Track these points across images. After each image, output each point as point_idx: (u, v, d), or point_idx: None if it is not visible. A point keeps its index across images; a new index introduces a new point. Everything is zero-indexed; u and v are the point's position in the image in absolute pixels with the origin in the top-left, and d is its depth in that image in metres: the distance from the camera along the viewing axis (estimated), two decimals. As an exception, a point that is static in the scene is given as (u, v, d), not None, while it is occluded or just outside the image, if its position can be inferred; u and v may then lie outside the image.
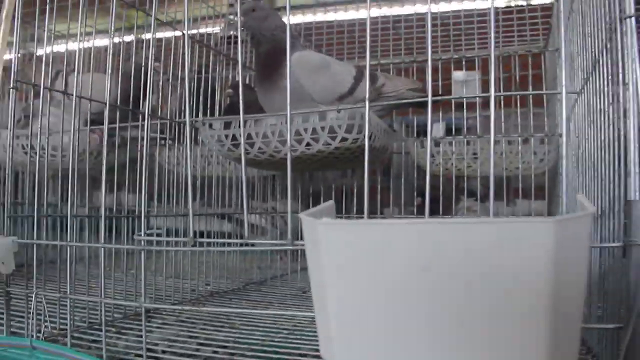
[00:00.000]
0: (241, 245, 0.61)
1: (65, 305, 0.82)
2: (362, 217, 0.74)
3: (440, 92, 1.41)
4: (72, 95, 0.83)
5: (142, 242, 0.68)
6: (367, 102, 0.59)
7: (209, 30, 1.36)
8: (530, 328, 0.41)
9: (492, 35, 0.57)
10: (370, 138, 1.00)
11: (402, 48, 1.53)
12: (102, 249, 0.73)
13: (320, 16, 1.65)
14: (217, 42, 1.39)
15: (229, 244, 0.65)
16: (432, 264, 0.41)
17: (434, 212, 1.23)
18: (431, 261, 0.41)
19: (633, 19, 0.53)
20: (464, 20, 1.50)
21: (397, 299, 0.43)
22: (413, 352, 0.44)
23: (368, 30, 0.62)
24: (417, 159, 1.38)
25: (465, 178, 1.32)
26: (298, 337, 0.85)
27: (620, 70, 0.53)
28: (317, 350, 0.65)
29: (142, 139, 0.90)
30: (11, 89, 0.77)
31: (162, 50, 1.33)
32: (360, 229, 0.43)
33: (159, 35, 1.20)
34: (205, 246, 0.70)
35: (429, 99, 0.57)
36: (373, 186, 1.53)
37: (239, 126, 1.01)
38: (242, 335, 0.86)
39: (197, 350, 0.79)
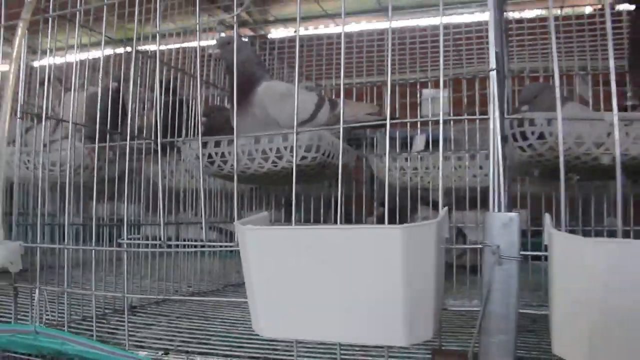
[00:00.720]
0: (202, 246, 0.80)
1: (63, 303, 1.01)
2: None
3: (397, 114, 1.60)
4: (68, 121, 1.02)
5: (125, 245, 0.88)
6: (295, 129, 0.78)
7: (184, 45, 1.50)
8: (391, 304, 0.60)
9: (389, 60, 0.75)
10: (328, 156, 1.20)
11: (364, 68, 1.72)
12: (93, 251, 0.92)
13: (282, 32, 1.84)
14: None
15: (195, 246, 0.82)
16: (321, 259, 0.60)
17: (393, 221, 1.42)
18: (320, 256, 0.60)
19: (495, 71, 0.71)
20: (419, 42, 1.68)
21: (300, 285, 0.62)
22: (314, 323, 0.63)
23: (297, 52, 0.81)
24: (377, 173, 1.58)
25: (419, 190, 1.50)
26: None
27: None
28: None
29: (128, 155, 1.08)
30: (18, 119, 0.96)
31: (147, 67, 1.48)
32: (270, 234, 0.62)
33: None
34: (173, 247, 0.88)
35: (341, 126, 0.76)
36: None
37: (214, 146, 1.21)
38: (212, 325, 1.05)
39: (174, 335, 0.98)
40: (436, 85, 1.77)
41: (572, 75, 1.66)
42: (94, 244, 0.92)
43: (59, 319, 1.03)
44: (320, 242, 0.61)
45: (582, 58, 1.67)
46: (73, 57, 1.03)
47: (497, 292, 0.66)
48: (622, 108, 1.60)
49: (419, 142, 1.97)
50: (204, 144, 1.22)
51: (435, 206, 1.53)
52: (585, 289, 0.54)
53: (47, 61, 1.02)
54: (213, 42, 1.62)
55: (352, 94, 1.79)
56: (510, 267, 0.66)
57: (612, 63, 0.70)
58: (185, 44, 1.48)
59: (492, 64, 0.72)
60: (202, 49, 1.59)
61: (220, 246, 0.83)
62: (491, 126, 0.71)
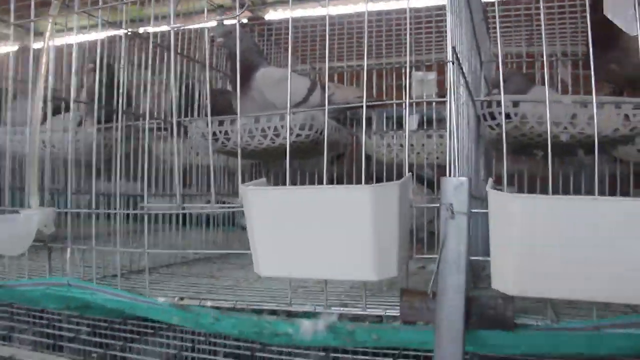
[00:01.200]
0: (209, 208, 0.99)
1: (90, 267, 1.18)
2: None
3: (384, 96, 1.78)
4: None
5: (145, 208, 1.07)
6: (288, 111, 0.96)
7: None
8: (364, 247, 0.79)
9: (365, 46, 0.93)
10: (321, 134, 1.38)
11: (355, 52, 1.90)
12: (118, 214, 1.11)
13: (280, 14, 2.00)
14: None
15: (204, 208, 0.99)
16: (307, 212, 0.79)
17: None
18: (306, 210, 0.79)
19: (450, 63, 0.89)
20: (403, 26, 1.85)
21: (291, 233, 0.81)
22: (302, 263, 0.82)
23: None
24: (365, 150, 1.76)
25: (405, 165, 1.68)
26: (263, 284, 1.22)
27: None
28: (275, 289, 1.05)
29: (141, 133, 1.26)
30: (49, 102, 1.15)
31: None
32: (267, 193, 0.81)
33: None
34: (186, 209, 1.07)
35: (326, 107, 0.94)
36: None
37: (218, 125, 1.40)
38: (218, 282, 1.24)
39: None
40: (428, 68, 1.95)
41: (552, 61, 1.83)
42: (118, 207, 1.11)
43: (85, 276, 1.21)
44: (306, 199, 0.80)
45: (563, 43, 1.84)
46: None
47: (450, 242, 0.85)
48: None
49: (412, 121, 2.15)
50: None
51: (421, 180, 1.72)
52: (509, 232, 0.73)
53: (75, 51, 1.20)
54: (213, 23, 1.80)
55: (344, 78, 1.97)
56: (461, 221, 0.84)
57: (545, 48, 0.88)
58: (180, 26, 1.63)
59: (449, 56, 0.90)
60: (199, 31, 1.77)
61: (228, 208, 1.02)
62: (447, 108, 0.89)
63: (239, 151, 0.99)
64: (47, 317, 1.49)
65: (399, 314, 0.90)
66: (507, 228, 0.74)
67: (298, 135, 1.34)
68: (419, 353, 1.18)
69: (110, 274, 1.22)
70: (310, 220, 0.80)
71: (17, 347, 1.37)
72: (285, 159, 1.02)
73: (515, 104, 1.27)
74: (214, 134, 1.39)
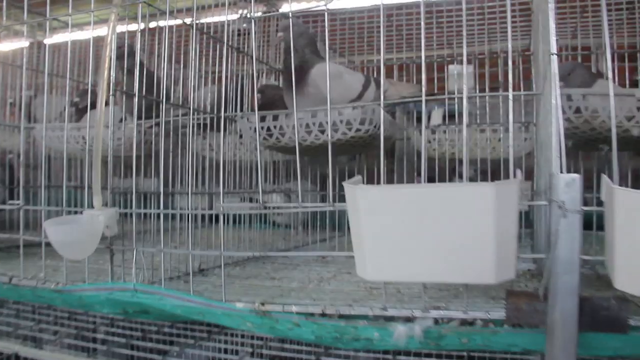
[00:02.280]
0: (296, 207, 0.96)
1: (150, 270, 1.15)
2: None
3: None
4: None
5: (222, 208, 1.04)
6: (379, 103, 0.94)
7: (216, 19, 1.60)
8: (483, 249, 0.76)
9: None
10: (378, 128, 1.36)
11: (404, 44, 1.87)
12: (188, 214, 1.08)
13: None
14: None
15: (288, 207, 0.97)
16: (421, 212, 0.77)
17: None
18: (421, 210, 0.77)
19: (555, 55, 0.87)
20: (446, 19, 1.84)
21: (403, 235, 0.79)
22: (415, 267, 0.80)
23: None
24: (416, 145, 1.75)
25: (457, 161, 1.66)
26: (330, 285, 1.20)
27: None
28: (347, 291, 1.02)
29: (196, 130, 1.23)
30: (111, 97, 1.11)
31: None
32: (378, 191, 0.79)
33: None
34: (269, 209, 1.04)
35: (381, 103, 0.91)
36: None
37: (272, 120, 1.37)
38: (282, 283, 1.21)
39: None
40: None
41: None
42: (189, 208, 1.08)
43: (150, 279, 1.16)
44: (422, 199, 0.77)
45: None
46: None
47: (562, 240, 0.82)
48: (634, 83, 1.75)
49: (437, 116, 2.13)
50: (262, 118, 1.38)
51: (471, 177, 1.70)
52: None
53: (138, 46, 1.16)
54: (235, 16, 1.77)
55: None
56: (573, 219, 0.82)
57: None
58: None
59: (553, 49, 0.88)
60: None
61: (319, 208, 0.99)
62: (553, 102, 0.86)
63: (330, 145, 0.96)
64: (92, 321, 1.45)
65: (504, 317, 0.88)
66: (637, 227, 0.72)
67: (358, 130, 1.32)
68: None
69: (157, 278, 1.17)
70: (424, 221, 0.77)
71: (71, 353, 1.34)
72: (342, 154, 0.98)
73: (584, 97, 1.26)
74: (268, 129, 1.36)
